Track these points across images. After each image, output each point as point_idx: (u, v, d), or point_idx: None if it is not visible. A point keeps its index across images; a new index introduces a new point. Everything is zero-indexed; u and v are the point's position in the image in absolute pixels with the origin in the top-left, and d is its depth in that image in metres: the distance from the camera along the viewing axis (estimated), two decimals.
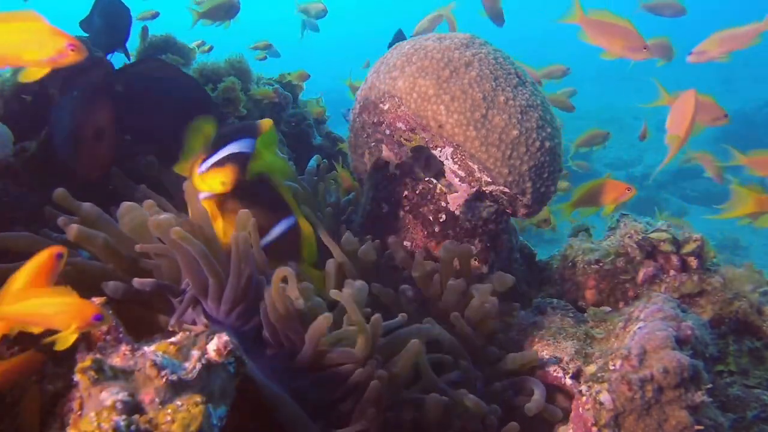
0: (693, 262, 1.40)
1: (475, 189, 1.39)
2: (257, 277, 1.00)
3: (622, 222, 1.53)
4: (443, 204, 1.41)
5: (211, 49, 3.01)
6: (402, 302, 1.24)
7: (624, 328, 1.18)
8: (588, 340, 1.22)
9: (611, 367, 1.07)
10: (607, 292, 1.45)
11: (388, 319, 1.08)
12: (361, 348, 0.96)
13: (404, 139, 1.41)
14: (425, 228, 1.42)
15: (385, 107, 1.41)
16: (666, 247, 1.41)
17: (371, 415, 0.93)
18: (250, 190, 1.14)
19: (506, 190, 1.37)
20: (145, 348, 0.77)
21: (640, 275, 1.42)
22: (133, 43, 2.01)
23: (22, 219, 1.27)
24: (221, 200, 1.12)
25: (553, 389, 1.18)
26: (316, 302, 1.03)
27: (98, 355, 0.74)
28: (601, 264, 1.46)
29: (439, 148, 1.38)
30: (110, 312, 0.84)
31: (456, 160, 1.37)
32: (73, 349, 0.82)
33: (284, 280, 0.97)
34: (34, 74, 1.01)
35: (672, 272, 1.41)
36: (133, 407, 0.69)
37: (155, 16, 2.97)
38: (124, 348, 0.77)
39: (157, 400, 0.70)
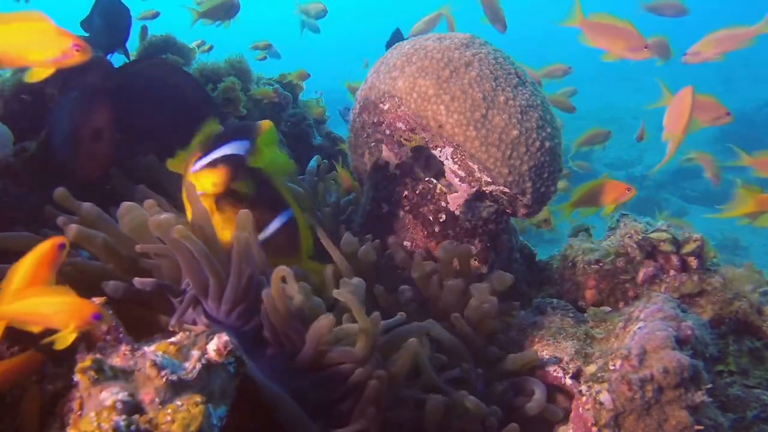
0: (693, 262, 1.40)
1: (475, 189, 1.39)
2: (258, 277, 1.00)
3: (622, 222, 1.53)
4: (443, 204, 1.41)
5: (211, 48, 3.01)
6: (401, 303, 1.24)
7: (624, 328, 1.18)
8: (588, 340, 1.22)
9: (611, 367, 1.07)
10: (607, 292, 1.45)
11: (387, 320, 1.08)
12: (362, 347, 0.96)
13: (404, 139, 1.41)
14: (425, 228, 1.42)
15: (385, 107, 1.41)
16: (666, 247, 1.41)
17: (371, 414, 0.93)
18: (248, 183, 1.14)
19: (506, 190, 1.37)
20: (145, 348, 0.77)
21: (640, 275, 1.42)
22: (134, 43, 2.01)
23: (22, 219, 1.27)
24: (216, 197, 1.12)
25: (553, 389, 1.18)
26: (316, 302, 1.03)
27: (98, 355, 0.74)
28: (601, 264, 1.46)
29: (439, 148, 1.38)
30: (110, 312, 0.84)
31: (456, 160, 1.37)
32: (73, 349, 0.82)
33: (283, 279, 0.97)
34: (39, 74, 1.01)
35: (672, 272, 1.41)
36: (133, 407, 0.69)
37: (155, 16, 2.97)
38: (124, 348, 0.77)
39: (157, 400, 0.70)
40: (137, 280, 0.97)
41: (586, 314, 1.32)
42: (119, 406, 0.67)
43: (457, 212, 1.40)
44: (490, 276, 1.32)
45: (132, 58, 1.93)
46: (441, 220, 1.41)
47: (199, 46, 2.77)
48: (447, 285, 1.23)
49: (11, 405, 0.87)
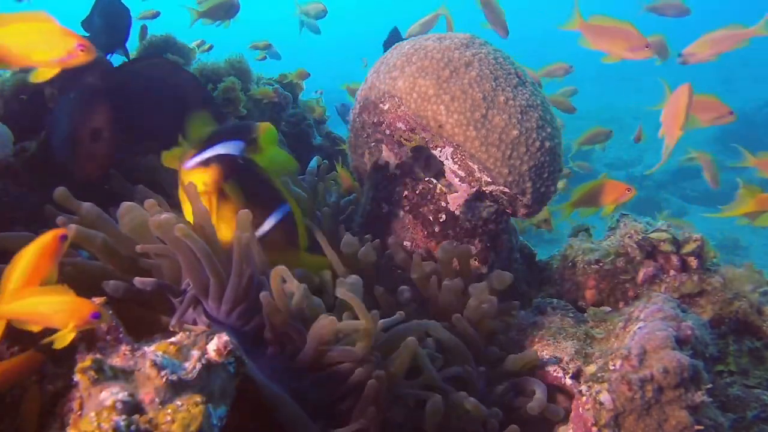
0: (693, 262, 1.40)
1: (475, 189, 1.39)
2: (258, 277, 1.00)
3: (622, 222, 1.53)
4: (443, 204, 1.41)
5: (211, 48, 3.01)
6: (400, 303, 1.24)
7: (624, 328, 1.18)
8: (588, 340, 1.22)
9: (611, 367, 1.07)
10: (607, 292, 1.45)
11: (385, 318, 1.08)
12: (362, 347, 0.96)
13: (404, 139, 1.41)
14: (425, 228, 1.42)
15: (385, 107, 1.41)
16: (666, 247, 1.41)
17: (371, 414, 0.93)
18: (240, 183, 1.14)
19: (506, 190, 1.37)
20: (145, 348, 0.77)
21: (640, 275, 1.42)
22: (134, 43, 2.01)
23: (22, 219, 1.27)
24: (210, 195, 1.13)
25: (553, 389, 1.18)
26: (316, 302, 1.03)
27: (98, 355, 0.74)
28: (601, 264, 1.46)
29: (439, 148, 1.38)
30: (110, 312, 0.84)
31: (456, 160, 1.37)
32: (73, 349, 0.82)
33: (283, 280, 0.97)
34: (44, 74, 1.01)
35: (672, 272, 1.41)
36: (133, 407, 0.69)
37: (155, 15, 2.97)
38: (124, 348, 0.77)
39: (157, 400, 0.70)
40: (138, 280, 0.97)
41: (586, 314, 1.32)
42: (119, 406, 0.67)
43: (457, 212, 1.40)
44: (489, 276, 1.32)
45: (132, 57, 1.93)
46: (441, 220, 1.41)
47: (198, 46, 2.77)
48: (444, 285, 1.23)
49: (11, 405, 0.87)
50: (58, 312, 0.78)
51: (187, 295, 0.99)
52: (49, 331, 0.79)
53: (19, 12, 0.99)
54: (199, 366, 0.74)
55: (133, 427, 0.66)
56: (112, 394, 0.69)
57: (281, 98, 2.13)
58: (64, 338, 0.79)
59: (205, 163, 1.09)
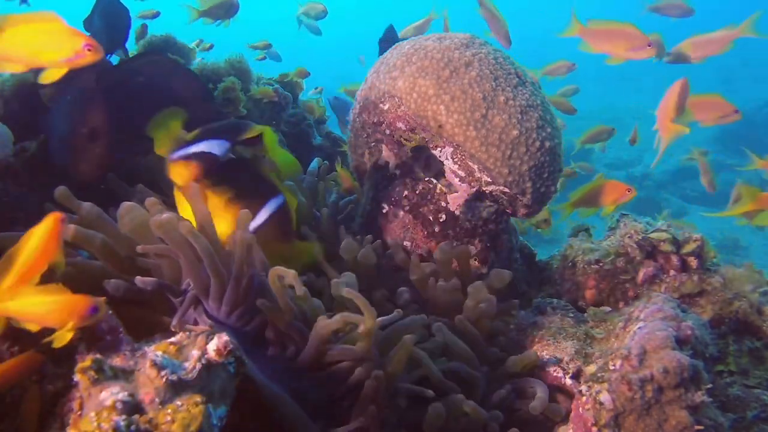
0: (693, 262, 1.40)
1: (475, 189, 1.39)
2: (260, 278, 1.00)
3: (622, 222, 1.53)
4: (443, 204, 1.41)
5: (211, 47, 3.02)
6: (400, 305, 1.24)
7: (624, 328, 1.18)
8: (588, 340, 1.22)
9: (611, 367, 1.07)
10: (607, 292, 1.45)
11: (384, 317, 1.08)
12: (362, 346, 0.96)
13: (404, 139, 1.41)
14: (425, 228, 1.42)
15: (385, 107, 1.41)
16: (666, 247, 1.41)
17: (371, 412, 0.93)
18: (229, 175, 1.16)
19: (506, 190, 1.37)
20: (145, 348, 0.77)
21: (640, 275, 1.42)
22: (132, 43, 2.01)
23: (22, 219, 1.27)
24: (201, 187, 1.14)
25: (553, 389, 1.18)
26: (316, 304, 1.03)
27: (98, 355, 0.74)
28: (601, 264, 1.46)
29: (439, 148, 1.38)
30: (110, 312, 0.84)
31: (456, 160, 1.37)
32: (73, 349, 0.82)
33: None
34: (53, 75, 1.02)
35: (672, 272, 1.41)
36: (133, 407, 0.69)
37: (155, 15, 2.97)
38: (124, 348, 0.77)
39: (157, 400, 0.70)
40: (139, 279, 0.97)
41: (586, 314, 1.32)
42: (119, 406, 0.67)
43: (457, 212, 1.40)
44: (488, 275, 1.32)
45: (131, 55, 1.93)
46: (441, 220, 1.41)
47: (198, 45, 2.77)
48: (440, 286, 1.22)
49: (11, 405, 0.87)
50: (54, 311, 0.78)
51: (187, 295, 0.99)
52: (49, 331, 0.79)
53: (28, 13, 0.99)
54: (199, 366, 0.74)
55: (133, 427, 0.66)
56: (112, 394, 0.69)
57: (281, 98, 2.13)
58: (62, 337, 0.79)
59: (188, 157, 1.11)
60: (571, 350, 1.19)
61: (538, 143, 1.34)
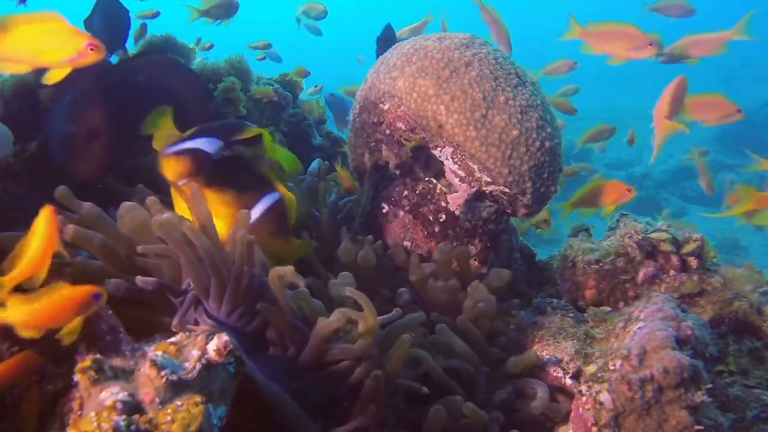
0: (693, 262, 1.40)
1: (475, 189, 1.39)
2: (260, 278, 1.00)
3: (622, 222, 1.53)
4: (443, 204, 1.41)
5: (211, 47, 3.01)
6: (400, 306, 1.23)
7: (624, 328, 1.18)
8: (588, 340, 1.22)
9: (611, 367, 1.07)
10: (607, 292, 1.45)
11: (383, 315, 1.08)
12: (362, 345, 0.96)
13: (404, 139, 1.41)
14: (425, 228, 1.42)
15: (385, 107, 1.41)
16: (666, 247, 1.41)
17: (371, 411, 0.93)
18: (225, 173, 1.17)
19: (506, 190, 1.37)
20: (145, 348, 0.77)
21: (640, 275, 1.42)
22: (131, 43, 2.01)
23: (22, 219, 1.27)
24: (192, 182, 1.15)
25: (553, 389, 1.18)
26: (317, 305, 1.03)
27: (98, 355, 0.74)
28: (601, 264, 1.46)
29: (439, 148, 1.38)
30: (110, 312, 0.84)
31: (456, 160, 1.37)
32: (73, 349, 0.82)
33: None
34: (57, 75, 1.02)
35: (672, 272, 1.41)
36: (133, 407, 0.69)
37: (155, 15, 2.97)
38: (124, 348, 0.77)
39: (157, 400, 0.70)
40: (139, 279, 0.97)
41: (586, 314, 1.32)
42: (119, 406, 0.67)
43: (457, 212, 1.40)
44: (488, 275, 1.32)
45: (131, 54, 1.93)
46: (441, 220, 1.41)
47: (197, 44, 2.77)
48: (438, 286, 1.22)
49: (11, 405, 0.87)
50: (58, 307, 0.78)
51: (188, 296, 0.99)
52: (51, 332, 0.80)
53: (31, 13, 0.99)
54: (199, 366, 0.74)
55: (133, 427, 0.66)
56: (112, 394, 0.69)
57: (281, 98, 2.13)
58: (71, 333, 0.79)
59: (178, 153, 1.12)
60: (571, 350, 1.19)
61: (538, 143, 1.34)
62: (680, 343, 1.07)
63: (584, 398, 1.06)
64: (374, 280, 1.29)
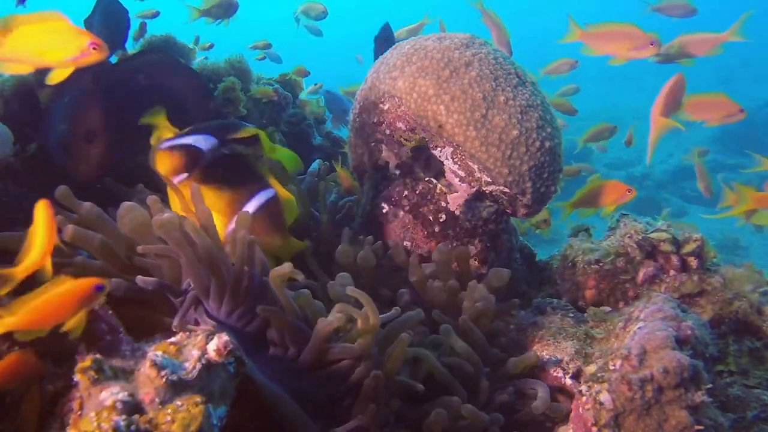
0: (693, 262, 1.40)
1: (475, 189, 1.39)
2: (261, 278, 1.00)
3: (622, 222, 1.53)
4: (443, 204, 1.41)
5: (211, 46, 3.01)
6: (400, 307, 1.23)
7: (624, 328, 1.18)
8: (588, 340, 1.22)
9: (611, 367, 1.07)
10: (607, 292, 1.45)
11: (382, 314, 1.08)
12: (362, 344, 0.96)
13: (404, 139, 1.41)
14: (425, 228, 1.42)
15: (385, 107, 1.41)
16: (666, 247, 1.41)
17: (371, 411, 0.93)
18: (218, 169, 1.17)
19: (506, 190, 1.37)
20: (145, 348, 0.77)
21: (640, 275, 1.42)
22: (131, 43, 2.01)
23: (22, 219, 1.27)
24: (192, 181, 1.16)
25: (554, 389, 1.18)
26: (318, 306, 1.03)
27: (98, 355, 0.74)
28: (601, 264, 1.46)
29: (439, 148, 1.38)
30: (110, 312, 0.84)
31: (456, 160, 1.37)
32: (73, 349, 0.82)
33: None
34: (60, 75, 1.02)
35: (672, 272, 1.41)
36: (133, 407, 0.69)
37: (155, 15, 2.96)
38: (124, 348, 0.77)
39: (157, 400, 0.70)
40: (140, 279, 0.97)
41: (586, 314, 1.32)
42: (119, 406, 0.67)
43: (457, 212, 1.40)
44: (487, 275, 1.32)
45: (131, 54, 1.93)
46: (441, 220, 1.41)
47: (195, 43, 2.77)
48: (435, 286, 1.22)
49: (11, 405, 0.87)
50: (62, 302, 0.79)
51: (188, 296, 0.99)
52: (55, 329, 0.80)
53: (33, 13, 1.00)
54: (199, 366, 0.75)
55: (133, 427, 0.66)
56: (112, 394, 0.69)
57: (281, 98, 2.13)
58: (77, 323, 0.79)
59: (171, 148, 1.12)
60: (571, 350, 1.19)
61: (538, 143, 1.34)
62: (680, 343, 1.07)
63: (584, 398, 1.06)
64: (374, 280, 1.28)
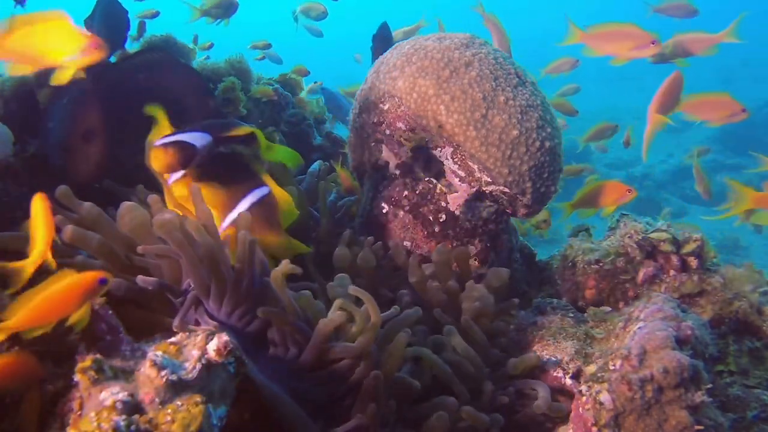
0: (693, 262, 1.40)
1: (475, 189, 1.39)
2: (261, 278, 1.00)
3: (622, 222, 1.53)
4: (443, 204, 1.41)
5: (211, 46, 3.01)
6: (400, 307, 1.23)
7: (624, 328, 1.18)
8: (588, 340, 1.22)
9: (611, 367, 1.07)
10: (607, 292, 1.45)
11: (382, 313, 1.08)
12: (362, 343, 0.96)
13: (404, 139, 1.41)
14: (425, 228, 1.42)
15: (385, 107, 1.41)
16: (666, 247, 1.41)
17: (371, 410, 0.93)
18: (212, 167, 1.17)
19: (506, 190, 1.37)
20: (145, 348, 0.77)
21: (640, 275, 1.42)
22: (130, 43, 2.01)
23: (22, 219, 1.27)
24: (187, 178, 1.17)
25: (554, 389, 1.18)
26: (319, 307, 1.03)
27: (98, 355, 0.74)
28: (601, 264, 1.46)
29: (439, 148, 1.38)
30: (110, 312, 0.84)
31: (456, 160, 1.37)
32: (73, 349, 0.82)
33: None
34: (64, 75, 1.02)
35: (672, 272, 1.41)
36: (133, 407, 0.69)
37: (155, 15, 2.96)
38: (124, 348, 0.77)
39: (157, 400, 0.70)
40: (140, 278, 0.97)
41: (586, 314, 1.32)
42: (119, 406, 0.67)
43: (457, 212, 1.40)
44: (487, 275, 1.32)
45: (131, 53, 1.93)
46: (441, 220, 1.41)
47: (194, 43, 2.77)
48: (434, 286, 1.22)
49: (11, 405, 0.87)
50: (66, 297, 0.79)
51: (188, 296, 0.99)
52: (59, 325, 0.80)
53: (35, 13, 1.00)
54: (199, 366, 0.75)
55: (133, 427, 0.66)
56: (112, 394, 0.69)
57: (281, 98, 2.14)
58: (82, 317, 0.79)
59: (165, 145, 1.13)
60: (571, 350, 1.19)
61: (538, 143, 1.34)
62: (680, 343, 1.07)
63: (584, 398, 1.06)
64: (374, 281, 1.28)
